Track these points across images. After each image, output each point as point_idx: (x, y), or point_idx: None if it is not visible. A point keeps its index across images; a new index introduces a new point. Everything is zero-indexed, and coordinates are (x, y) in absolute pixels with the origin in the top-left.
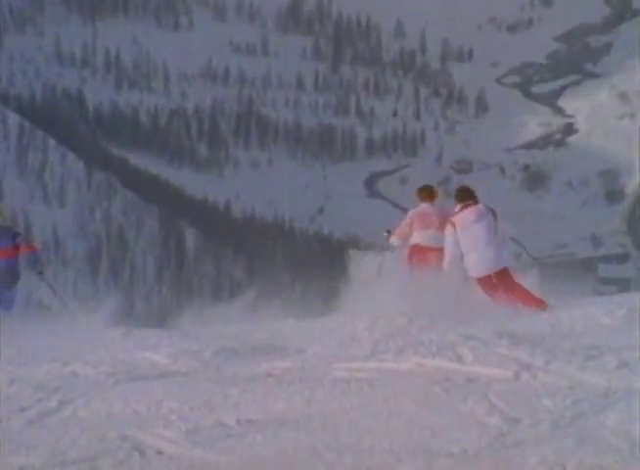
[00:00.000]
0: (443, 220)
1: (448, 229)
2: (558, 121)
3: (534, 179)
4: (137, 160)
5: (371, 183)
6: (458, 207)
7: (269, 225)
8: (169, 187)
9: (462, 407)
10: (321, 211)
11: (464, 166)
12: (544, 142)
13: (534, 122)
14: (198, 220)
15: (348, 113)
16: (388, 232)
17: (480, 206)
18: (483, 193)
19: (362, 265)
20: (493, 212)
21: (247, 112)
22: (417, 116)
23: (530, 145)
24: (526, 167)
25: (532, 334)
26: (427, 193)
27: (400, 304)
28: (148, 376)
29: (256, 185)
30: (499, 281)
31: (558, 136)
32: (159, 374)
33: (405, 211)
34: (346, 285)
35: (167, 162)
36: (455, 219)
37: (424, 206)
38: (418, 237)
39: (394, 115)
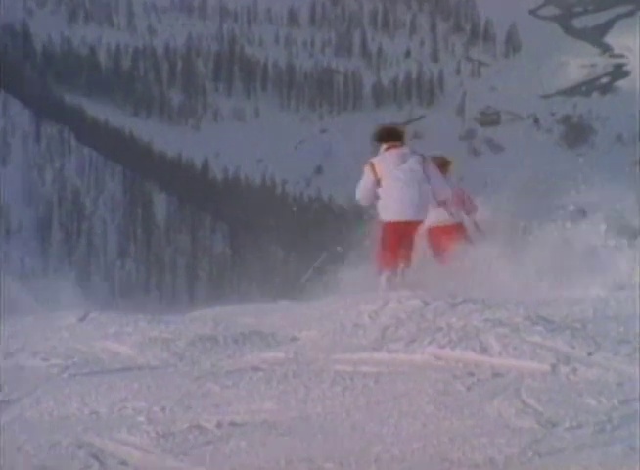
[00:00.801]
0: (459, 195)
1: (367, 171)
2: (604, 62)
3: (576, 133)
4: (95, 109)
5: None
6: (382, 147)
7: (256, 189)
8: (135, 142)
9: (488, 408)
10: (319, 171)
11: (490, 118)
12: (588, 87)
13: (576, 63)
14: (169, 183)
15: (352, 53)
16: None
17: (406, 148)
18: (514, 149)
19: (369, 238)
20: (424, 160)
21: (228, 51)
22: (434, 56)
23: (571, 91)
24: (566, 119)
25: (572, 319)
26: (440, 163)
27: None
28: (109, 370)
29: (241, 140)
30: (408, 232)
31: (604, 80)
32: (122, 367)
33: None
34: (350, 261)
35: (132, 112)
36: (375, 160)
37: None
38: (431, 216)
39: (407, 55)
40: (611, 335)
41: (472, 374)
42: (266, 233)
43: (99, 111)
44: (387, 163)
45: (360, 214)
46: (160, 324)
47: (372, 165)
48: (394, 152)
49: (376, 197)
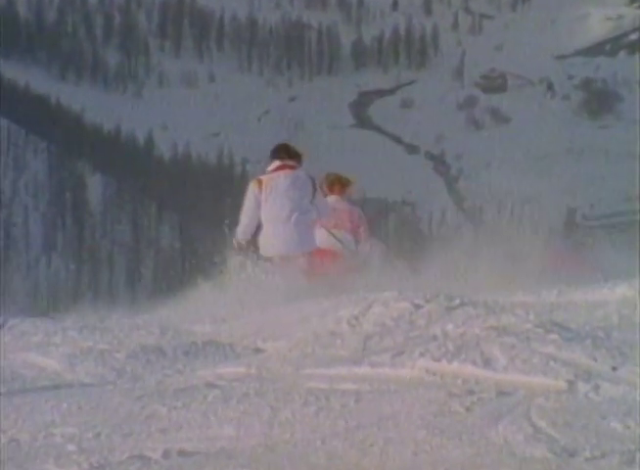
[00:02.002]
0: (354, 220)
1: (252, 188)
2: (633, 14)
3: (598, 100)
4: (13, 72)
5: (360, 107)
6: (273, 164)
7: (211, 169)
8: (62, 112)
9: (492, 433)
10: None
11: (495, 82)
12: (613, 45)
13: (598, 16)
14: (105, 161)
15: (326, 3)
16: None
17: (301, 173)
18: (522, 120)
19: None
20: (314, 184)
21: (176, 1)
22: (427, 8)
23: (592, 50)
24: (587, 83)
25: (593, 326)
26: (338, 182)
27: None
28: (33, 388)
29: (192, 110)
30: (290, 266)
31: (633, 36)
32: (48, 385)
33: (409, 146)
34: None
35: (59, 75)
36: (264, 178)
37: (332, 199)
38: (321, 239)
39: (394, 6)
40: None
41: (472, 392)
42: (223, 221)
43: (17, 74)
44: (276, 184)
45: None
46: (94, 333)
47: (260, 183)
48: (286, 174)
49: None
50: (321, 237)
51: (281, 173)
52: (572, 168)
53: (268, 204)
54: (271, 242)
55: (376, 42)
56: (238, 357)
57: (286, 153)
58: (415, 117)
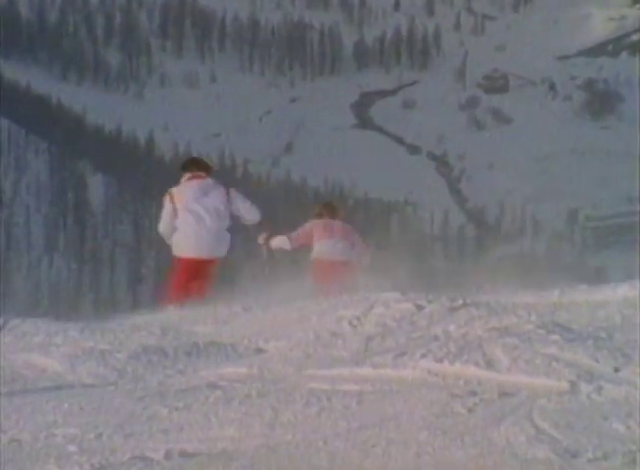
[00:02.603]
0: (347, 232)
1: (165, 199)
2: (635, 15)
3: (600, 101)
4: (14, 72)
5: (361, 108)
6: (184, 177)
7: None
8: (64, 112)
9: (494, 434)
10: (289, 148)
11: (497, 83)
12: (615, 46)
13: (601, 16)
14: (107, 161)
15: (329, 4)
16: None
17: (211, 181)
18: (524, 121)
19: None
20: (228, 192)
21: (178, 2)
22: (429, 8)
23: (595, 51)
24: (589, 84)
25: (596, 327)
26: (328, 210)
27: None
28: (34, 389)
29: (193, 111)
30: (201, 270)
31: (635, 37)
32: (50, 386)
33: (411, 147)
34: None
35: (60, 75)
36: (175, 190)
37: (329, 220)
38: (319, 249)
39: (396, 7)
40: None
41: (474, 393)
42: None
43: (19, 73)
44: (186, 194)
45: (343, 199)
46: (95, 333)
47: (171, 195)
48: (195, 183)
49: (174, 229)
50: (327, 247)
51: (190, 183)
52: (574, 169)
53: (180, 211)
54: (184, 244)
55: (378, 43)
56: (240, 358)
57: (195, 166)
58: (417, 118)
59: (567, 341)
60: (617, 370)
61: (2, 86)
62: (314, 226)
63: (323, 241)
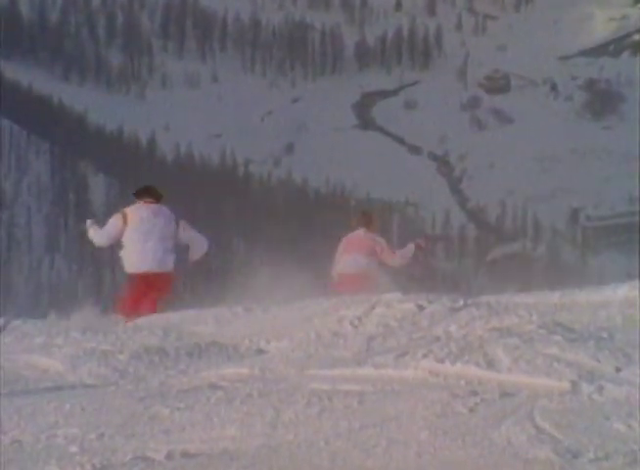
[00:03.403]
0: (367, 244)
1: (117, 216)
2: (637, 15)
3: (601, 101)
4: (16, 72)
5: (363, 108)
6: (137, 203)
7: (214, 170)
8: (65, 113)
9: (495, 434)
10: (290, 149)
11: (498, 83)
12: (616, 46)
13: (602, 17)
14: (108, 162)
15: (330, 4)
16: None
17: (164, 207)
18: (526, 121)
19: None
20: (176, 220)
21: (179, 2)
22: (430, 8)
23: (596, 51)
24: (590, 84)
25: (597, 327)
26: (366, 219)
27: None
28: (35, 389)
29: (195, 111)
30: (151, 284)
31: (637, 37)
32: (51, 386)
33: (412, 147)
34: (327, 255)
35: (61, 75)
36: (129, 210)
37: (358, 232)
38: (342, 264)
39: (398, 7)
40: None
41: (475, 393)
42: (226, 223)
43: (20, 74)
44: (139, 213)
45: (344, 200)
46: (96, 334)
47: (124, 214)
48: (148, 206)
49: (119, 246)
50: (347, 262)
51: (145, 206)
52: (575, 169)
53: (131, 229)
54: (132, 260)
55: (379, 43)
56: (241, 358)
57: (148, 194)
58: (418, 118)
59: (568, 341)
60: (618, 370)
61: (3, 87)
62: (341, 244)
63: (344, 256)
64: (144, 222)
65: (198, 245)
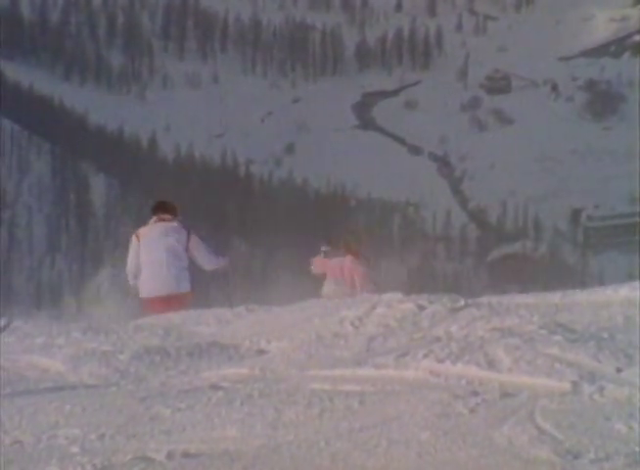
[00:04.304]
0: (348, 271)
1: (132, 238)
2: (637, 15)
3: (602, 102)
4: (17, 73)
5: (363, 108)
6: (152, 220)
7: (215, 170)
8: (66, 113)
9: (496, 434)
10: (291, 149)
11: (499, 84)
12: (617, 47)
13: (603, 17)
14: (109, 162)
15: (330, 5)
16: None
17: (175, 224)
18: (526, 122)
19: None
20: (188, 233)
21: (180, 2)
22: (431, 9)
23: (597, 52)
24: (591, 85)
25: (598, 327)
26: (345, 246)
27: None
28: (36, 390)
29: (195, 111)
30: (167, 307)
31: (637, 38)
32: (52, 387)
33: (413, 147)
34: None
35: (62, 76)
36: (141, 232)
37: (348, 258)
38: (325, 288)
39: (398, 8)
40: None
41: (476, 394)
42: (227, 223)
43: (21, 74)
44: (150, 234)
45: (345, 200)
46: (97, 334)
47: (137, 235)
48: (160, 225)
49: (139, 268)
50: (327, 288)
51: (156, 225)
52: (576, 170)
53: (144, 251)
54: (148, 284)
55: (380, 43)
56: (242, 359)
57: (162, 209)
58: (419, 119)
59: (569, 341)
60: (619, 371)
61: (4, 87)
62: (327, 266)
63: (328, 279)
64: (155, 243)
65: (204, 262)
